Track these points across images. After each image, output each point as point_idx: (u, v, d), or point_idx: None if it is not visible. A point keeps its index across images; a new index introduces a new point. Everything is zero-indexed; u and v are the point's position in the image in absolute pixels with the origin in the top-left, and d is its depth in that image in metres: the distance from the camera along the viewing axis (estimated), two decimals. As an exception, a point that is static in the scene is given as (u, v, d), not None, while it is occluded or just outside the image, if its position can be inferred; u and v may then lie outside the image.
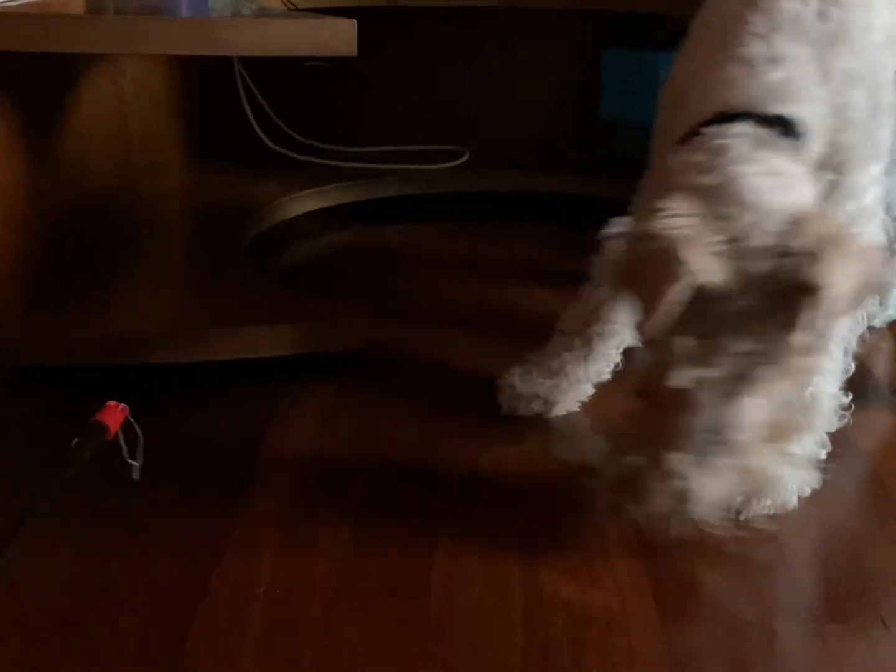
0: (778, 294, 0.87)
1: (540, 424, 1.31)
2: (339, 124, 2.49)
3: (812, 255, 0.85)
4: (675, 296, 0.86)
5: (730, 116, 0.99)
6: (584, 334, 1.28)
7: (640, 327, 0.93)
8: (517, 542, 1.06)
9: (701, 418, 0.92)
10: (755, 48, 1.02)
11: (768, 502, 1.03)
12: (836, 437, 1.13)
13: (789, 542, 1.06)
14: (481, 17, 2.43)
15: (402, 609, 0.95)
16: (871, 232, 1.11)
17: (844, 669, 0.88)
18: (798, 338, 0.86)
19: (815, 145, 1.01)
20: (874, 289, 0.91)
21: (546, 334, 1.33)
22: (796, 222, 0.88)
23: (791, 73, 1.01)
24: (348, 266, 2.02)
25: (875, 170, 1.10)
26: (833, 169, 1.06)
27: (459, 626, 0.93)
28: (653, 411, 0.98)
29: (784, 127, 0.97)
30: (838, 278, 0.84)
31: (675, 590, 0.99)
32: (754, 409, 0.92)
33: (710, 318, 0.89)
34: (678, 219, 0.88)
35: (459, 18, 2.42)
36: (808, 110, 1.00)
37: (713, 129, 0.98)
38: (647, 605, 0.95)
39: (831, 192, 1.07)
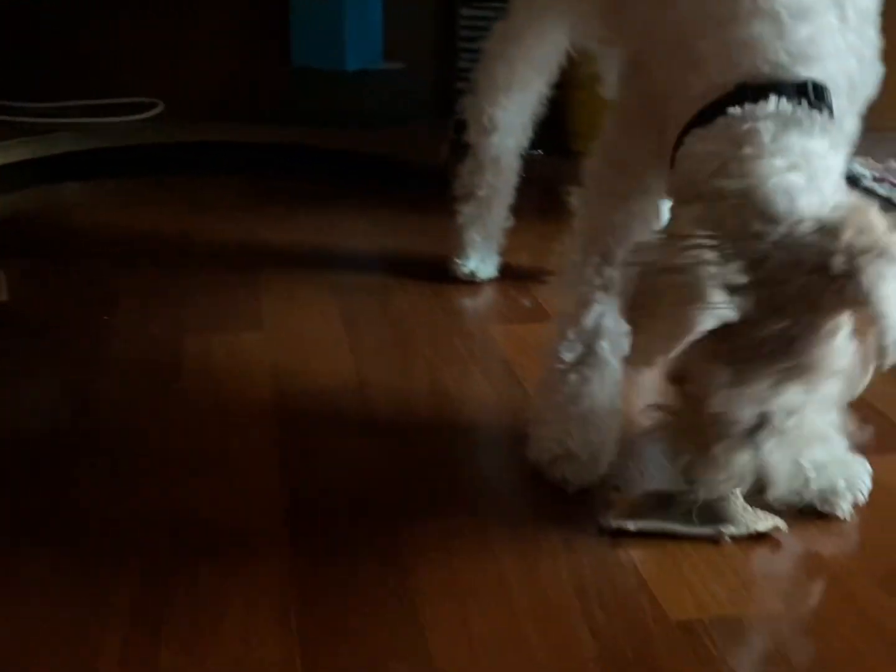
0: (814, 312, 0.83)
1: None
2: (25, 78, 2.34)
3: (854, 275, 0.80)
4: (693, 338, 0.81)
5: (756, 89, 0.88)
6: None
7: (641, 359, 0.89)
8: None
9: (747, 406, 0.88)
10: None
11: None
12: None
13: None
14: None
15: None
16: None
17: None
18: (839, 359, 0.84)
19: (842, 101, 0.92)
20: None
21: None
22: (832, 232, 0.81)
23: (817, 27, 0.90)
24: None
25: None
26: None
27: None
28: (687, 401, 0.93)
29: (813, 96, 0.88)
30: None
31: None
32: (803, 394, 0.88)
33: (741, 343, 0.84)
34: (702, 250, 0.82)
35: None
36: (834, 67, 0.91)
37: (737, 112, 0.88)
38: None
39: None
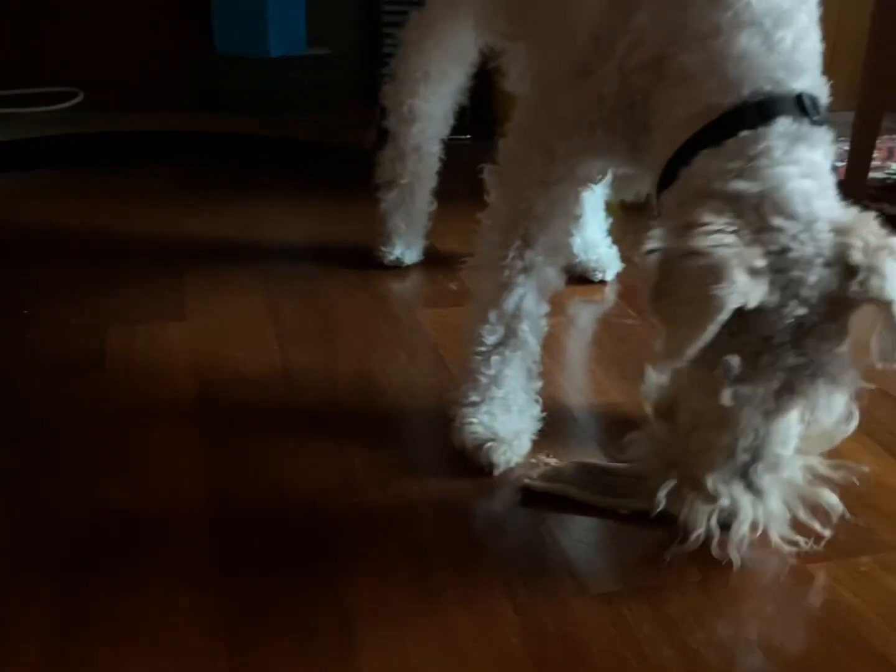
0: (828, 305, 0.85)
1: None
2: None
3: (873, 269, 0.83)
4: (722, 318, 0.82)
5: (761, 108, 0.89)
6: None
7: (674, 350, 0.85)
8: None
9: (742, 436, 0.90)
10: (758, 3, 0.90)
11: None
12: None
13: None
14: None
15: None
16: None
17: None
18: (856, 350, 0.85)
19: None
20: None
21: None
22: (847, 231, 0.85)
23: (797, 31, 0.92)
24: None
25: None
26: None
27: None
28: (676, 432, 0.96)
29: (811, 109, 0.90)
30: None
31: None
32: (796, 424, 0.92)
33: (755, 334, 0.85)
34: (722, 234, 0.84)
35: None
36: (817, 71, 0.93)
37: (748, 134, 0.89)
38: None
39: None
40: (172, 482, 1.07)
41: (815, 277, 0.84)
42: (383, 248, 1.69)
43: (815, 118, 0.90)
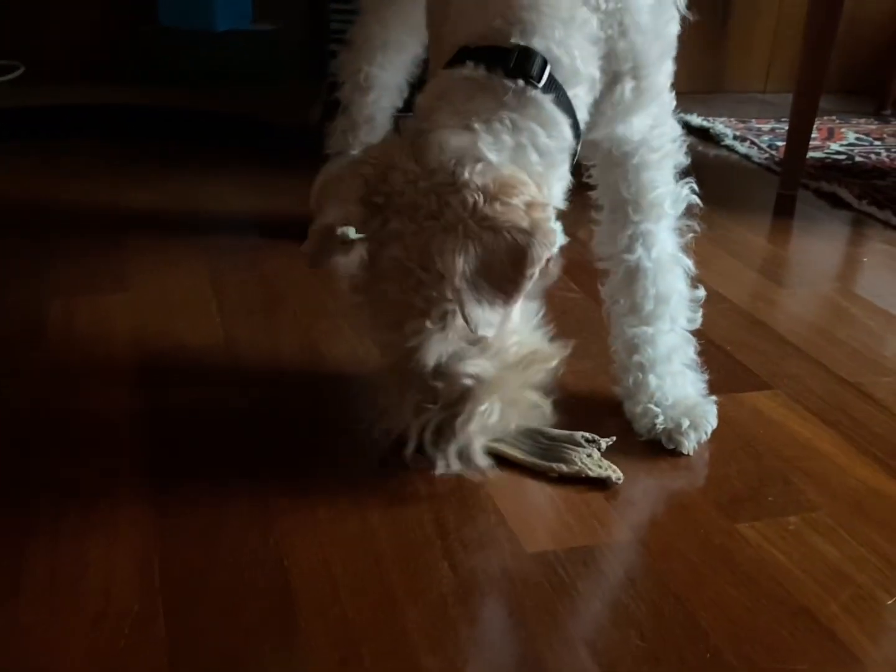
0: (424, 255, 0.89)
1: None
2: None
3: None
4: (322, 230, 0.93)
5: (467, 52, 0.94)
6: None
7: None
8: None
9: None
10: None
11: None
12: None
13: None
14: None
15: None
16: (669, 137, 1.08)
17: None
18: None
19: (566, 74, 0.95)
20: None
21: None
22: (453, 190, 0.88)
23: None
24: None
25: (669, 66, 1.06)
26: (630, 76, 1.01)
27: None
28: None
29: (515, 63, 0.92)
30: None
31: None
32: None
33: (381, 267, 0.93)
34: (362, 166, 0.92)
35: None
36: (557, 36, 0.94)
37: (443, 73, 0.95)
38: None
39: (637, 97, 1.02)
40: (108, 447, 1.07)
41: (415, 226, 0.90)
42: None
43: (514, 72, 0.92)
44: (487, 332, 0.90)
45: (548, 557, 0.93)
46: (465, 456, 1.00)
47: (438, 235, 0.88)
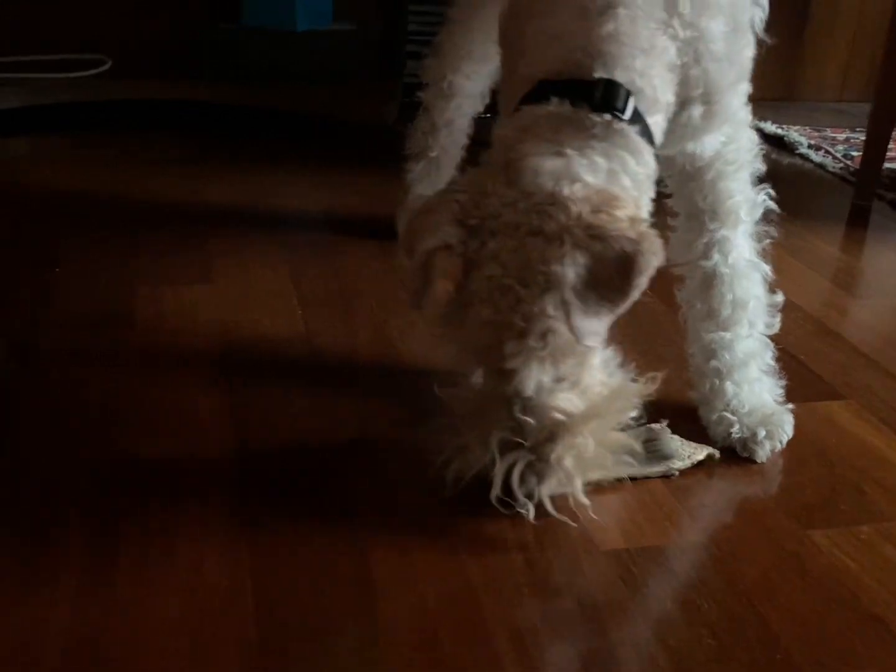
0: (525, 270, 0.88)
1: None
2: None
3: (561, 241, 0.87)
4: (424, 257, 0.90)
5: (548, 86, 0.94)
6: None
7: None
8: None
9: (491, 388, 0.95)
10: None
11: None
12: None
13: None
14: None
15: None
16: (746, 148, 1.09)
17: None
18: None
19: (648, 103, 0.96)
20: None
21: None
22: (556, 204, 0.88)
23: (622, 22, 0.94)
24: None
25: (744, 88, 1.06)
26: (700, 101, 1.01)
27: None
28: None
29: (601, 97, 0.93)
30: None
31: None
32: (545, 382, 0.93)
33: (466, 288, 0.91)
34: (455, 194, 0.92)
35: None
36: (639, 67, 0.94)
37: (526, 109, 0.95)
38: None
39: (706, 120, 1.03)
40: (196, 432, 1.12)
41: (510, 245, 0.89)
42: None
43: (599, 106, 0.92)
44: (593, 342, 0.90)
45: (621, 555, 0.95)
46: (557, 495, 0.97)
47: (541, 247, 0.88)
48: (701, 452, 1.08)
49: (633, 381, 1.02)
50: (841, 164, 2.28)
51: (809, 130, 2.55)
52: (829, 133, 2.55)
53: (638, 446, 1.01)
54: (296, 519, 0.98)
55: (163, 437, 1.11)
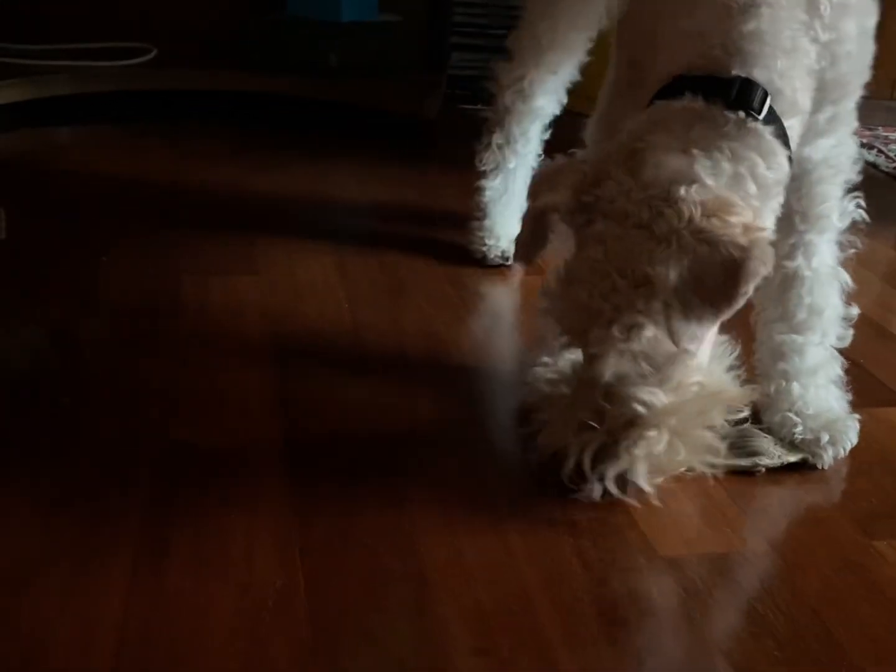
0: (626, 261, 0.88)
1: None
2: (20, 19, 2.32)
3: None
4: (535, 212, 0.95)
5: (683, 82, 0.94)
6: None
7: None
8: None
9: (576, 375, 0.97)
10: None
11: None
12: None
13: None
14: None
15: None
16: (847, 154, 1.08)
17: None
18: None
19: (785, 105, 0.94)
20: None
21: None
22: (668, 201, 0.87)
23: (765, 21, 0.92)
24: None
25: (860, 93, 1.05)
26: (831, 105, 1.01)
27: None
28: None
29: (736, 94, 0.92)
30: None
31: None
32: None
33: (576, 269, 0.92)
34: (574, 174, 0.94)
35: None
36: (780, 67, 0.93)
37: (660, 104, 0.95)
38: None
39: (829, 123, 1.03)
40: (246, 422, 1.10)
41: (621, 231, 0.89)
42: (487, 243, 1.56)
43: (735, 104, 0.91)
44: (692, 345, 0.90)
45: (680, 562, 0.92)
46: (624, 480, 0.96)
47: (647, 244, 0.87)
48: (794, 455, 1.07)
49: (738, 385, 1.00)
50: (894, 164, 2.23)
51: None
52: (881, 132, 2.50)
53: (722, 447, 0.99)
54: (347, 513, 0.96)
55: (213, 426, 1.09)
